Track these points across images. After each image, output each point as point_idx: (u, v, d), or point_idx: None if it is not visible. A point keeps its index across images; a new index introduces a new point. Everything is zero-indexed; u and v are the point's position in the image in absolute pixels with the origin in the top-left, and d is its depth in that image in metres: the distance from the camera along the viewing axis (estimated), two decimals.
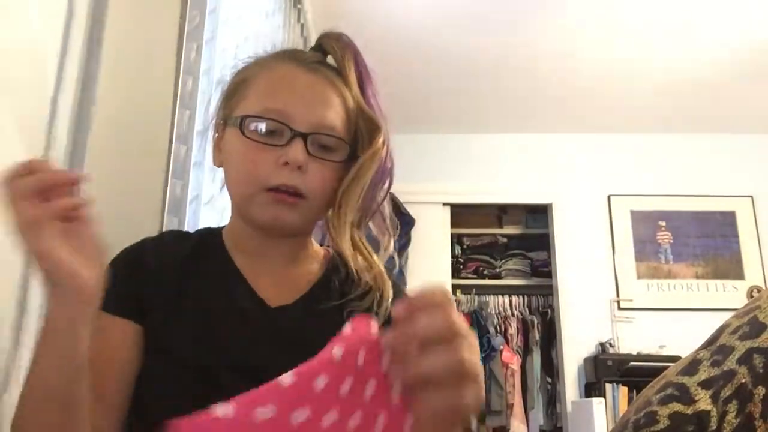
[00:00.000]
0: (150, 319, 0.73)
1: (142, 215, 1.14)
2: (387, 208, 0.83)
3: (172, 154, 1.09)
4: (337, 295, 0.79)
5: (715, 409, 0.60)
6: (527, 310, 4.36)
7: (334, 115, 0.77)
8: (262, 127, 0.75)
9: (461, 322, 0.46)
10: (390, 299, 0.79)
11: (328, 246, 0.88)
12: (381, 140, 0.79)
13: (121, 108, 1.04)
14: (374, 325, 0.46)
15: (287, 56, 0.81)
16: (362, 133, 0.79)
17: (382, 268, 0.82)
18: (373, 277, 0.80)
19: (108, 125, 0.98)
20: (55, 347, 0.56)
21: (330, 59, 0.84)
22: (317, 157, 0.75)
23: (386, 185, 0.82)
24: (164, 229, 1.11)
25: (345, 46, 0.82)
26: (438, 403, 0.44)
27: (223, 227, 0.86)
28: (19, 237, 0.53)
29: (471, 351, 0.45)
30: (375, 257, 0.83)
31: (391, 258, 0.86)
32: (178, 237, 0.85)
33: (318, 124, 0.76)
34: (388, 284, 0.81)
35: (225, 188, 0.83)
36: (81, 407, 0.59)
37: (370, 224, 0.84)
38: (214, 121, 0.85)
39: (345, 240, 0.79)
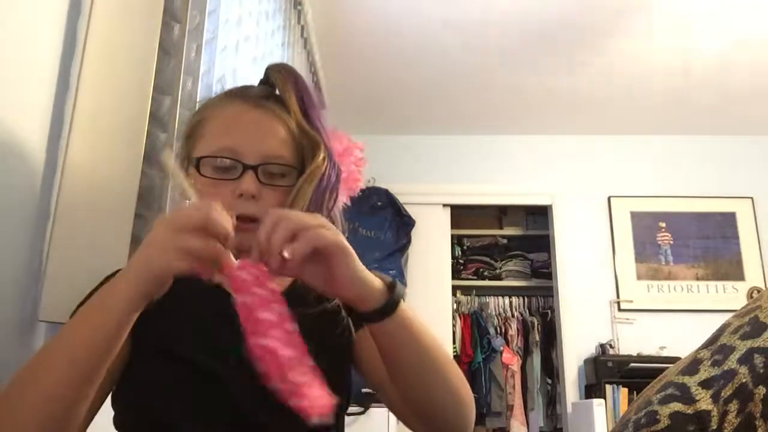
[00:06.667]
0: (148, 325, 0.75)
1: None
2: (339, 216, 0.89)
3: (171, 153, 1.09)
4: (310, 298, 0.88)
5: (715, 409, 0.59)
6: (527, 311, 4.36)
7: (280, 144, 0.84)
8: (216, 164, 0.82)
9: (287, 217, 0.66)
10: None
11: None
12: (321, 157, 0.85)
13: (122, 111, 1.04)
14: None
15: (236, 95, 0.88)
16: (307, 152, 0.86)
17: None
18: None
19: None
20: (110, 326, 0.61)
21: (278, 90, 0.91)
22: (269, 184, 0.82)
23: (333, 197, 0.88)
24: None
25: (286, 76, 0.89)
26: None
27: None
28: (165, 251, 0.58)
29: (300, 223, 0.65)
30: None
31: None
32: None
33: (266, 155, 0.83)
34: None
35: None
36: (94, 388, 0.63)
37: None
38: (180, 158, 0.91)
39: None
